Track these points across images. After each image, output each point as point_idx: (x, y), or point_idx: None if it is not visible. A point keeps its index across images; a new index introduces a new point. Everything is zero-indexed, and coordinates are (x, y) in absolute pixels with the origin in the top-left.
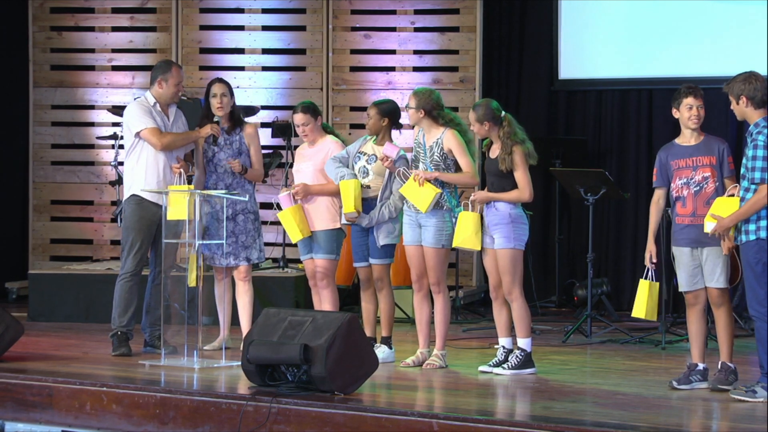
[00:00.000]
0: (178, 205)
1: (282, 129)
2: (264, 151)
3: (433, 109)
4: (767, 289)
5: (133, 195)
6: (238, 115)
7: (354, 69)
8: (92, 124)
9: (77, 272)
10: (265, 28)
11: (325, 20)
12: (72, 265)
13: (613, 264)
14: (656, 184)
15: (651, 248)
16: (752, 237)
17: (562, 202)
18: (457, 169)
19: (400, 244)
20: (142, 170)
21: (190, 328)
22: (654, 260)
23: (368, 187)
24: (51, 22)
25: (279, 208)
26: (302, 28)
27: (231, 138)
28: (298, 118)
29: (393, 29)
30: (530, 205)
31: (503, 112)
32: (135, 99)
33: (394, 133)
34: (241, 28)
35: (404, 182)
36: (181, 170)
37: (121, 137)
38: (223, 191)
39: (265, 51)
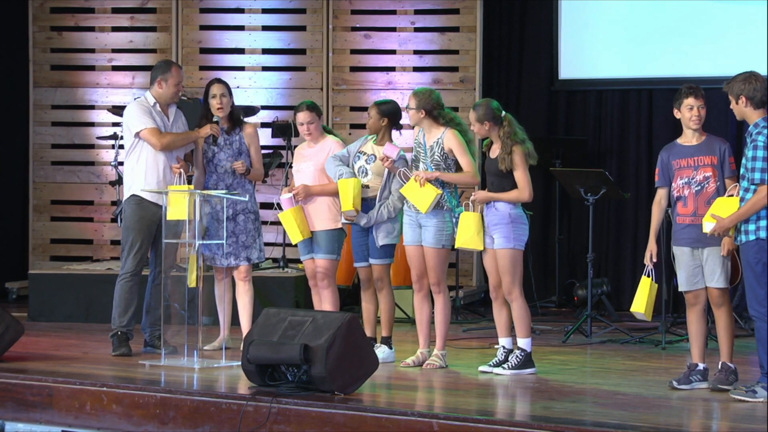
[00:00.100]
0: (178, 205)
1: (282, 129)
2: (264, 151)
3: (434, 109)
4: (767, 289)
5: (133, 195)
6: (237, 115)
7: (354, 69)
8: (92, 124)
9: (77, 272)
10: (265, 28)
11: (325, 20)
12: (72, 265)
13: (613, 264)
14: (658, 184)
15: (652, 248)
16: (752, 237)
17: (562, 202)
18: (458, 168)
19: (400, 244)
20: (142, 170)
21: (190, 328)
22: (654, 260)
23: (367, 186)
24: (51, 22)
25: (280, 208)
26: (302, 28)
27: (231, 138)
28: (303, 115)
29: (393, 29)
30: (530, 205)
31: (503, 112)
32: (135, 99)
33: (394, 133)
34: (241, 28)
35: (405, 183)
36: (181, 170)
37: (121, 137)
38: (224, 191)
39: (265, 51)
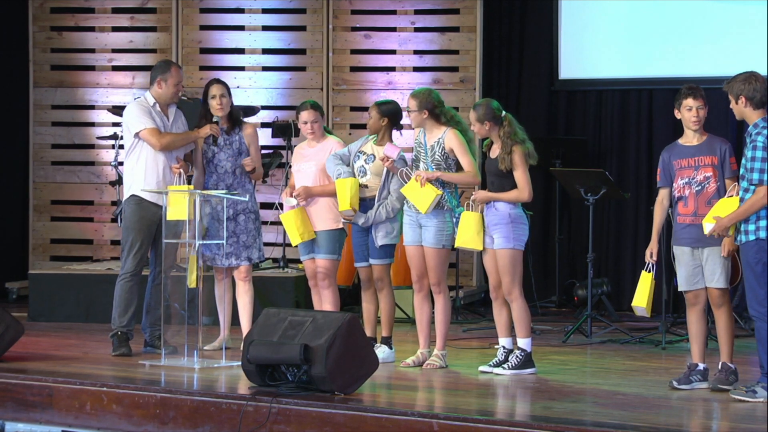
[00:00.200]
0: (178, 205)
1: (282, 129)
2: (264, 151)
3: (435, 107)
4: (767, 289)
5: (133, 195)
6: (237, 115)
7: (354, 69)
8: (92, 124)
9: (77, 272)
10: (265, 28)
11: (326, 20)
12: (72, 265)
13: (613, 264)
14: (660, 184)
15: (653, 247)
16: (752, 237)
17: (562, 202)
18: (458, 168)
19: (400, 244)
20: (141, 170)
21: (190, 328)
22: (654, 258)
23: (366, 186)
24: (51, 22)
25: (281, 208)
26: (302, 28)
27: (230, 138)
28: (307, 114)
29: (393, 29)
30: (530, 205)
31: (503, 112)
32: (135, 99)
33: (395, 133)
34: (241, 28)
35: (406, 182)
36: (181, 170)
37: (121, 137)
38: (224, 191)
39: (266, 51)
